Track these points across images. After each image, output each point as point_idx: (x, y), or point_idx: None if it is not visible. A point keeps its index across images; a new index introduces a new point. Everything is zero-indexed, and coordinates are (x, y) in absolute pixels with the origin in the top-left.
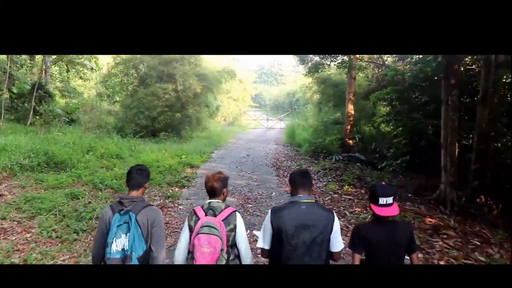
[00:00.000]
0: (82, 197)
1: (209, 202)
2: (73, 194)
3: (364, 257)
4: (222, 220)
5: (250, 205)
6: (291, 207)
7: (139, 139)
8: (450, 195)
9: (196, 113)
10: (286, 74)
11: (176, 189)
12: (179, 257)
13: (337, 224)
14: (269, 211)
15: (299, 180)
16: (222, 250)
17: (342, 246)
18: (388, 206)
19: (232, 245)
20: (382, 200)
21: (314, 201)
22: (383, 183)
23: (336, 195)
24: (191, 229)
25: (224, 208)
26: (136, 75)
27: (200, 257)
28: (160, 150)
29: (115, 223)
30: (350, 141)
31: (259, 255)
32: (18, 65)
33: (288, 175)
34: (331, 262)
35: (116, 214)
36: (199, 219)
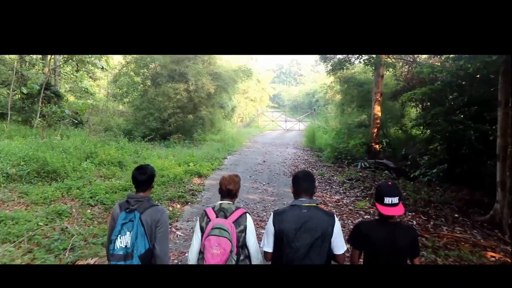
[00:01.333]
0: (61, 219)
1: (220, 204)
2: (55, 213)
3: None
4: (233, 222)
5: (264, 230)
6: (292, 210)
7: (148, 143)
8: (510, 218)
9: (209, 114)
10: (305, 74)
11: (178, 206)
12: (192, 258)
13: (338, 227)
14: (272, 213)
15: (303, 185)
16: (231, 251)
17: (345, 248)
18: (393, 206)
19: (243, 245)
20: (388, 200)
21: (315, 204)
22: (390, 183)
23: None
24: (202, 230)
25: (235, 210)
26: (148, 74)
27: (210, 258)
28: (168, 156)
29: (120, 221)
30: (377, 146)
31: None
32: (29, 65)
33: None
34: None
35: (122, 212)
36: (210, 220)
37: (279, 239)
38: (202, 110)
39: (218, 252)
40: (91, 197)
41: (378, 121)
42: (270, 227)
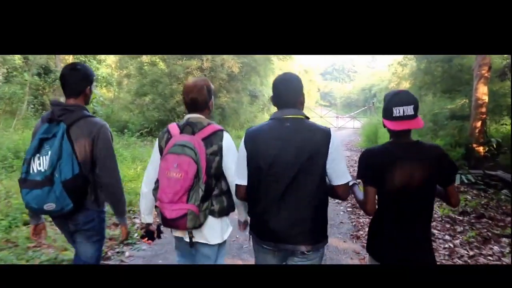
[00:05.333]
0: None
1: (188, 118)
2: None
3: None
4: (202, 139)
5: None
6: (271, 125)
7: (142, 139)
8: None
9: (231, 102)
10: (360, 70)
11: None
12: (147, 189)
13: (336, 145)
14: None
15: (282, 91)
16: (198, 178)
17: (348, 178)
18: (407, 119)
19: (217, 175)
20: (397, 111)
21: (303, 117)
22: (400, 90)
23: None
24: (161, 151)
25: (207, 125)
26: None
27: (165, 184)
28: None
29: (39, 135)
30: (481, 148)
31: None
32: None
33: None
34: (334, 200)
35: (44, 124)
36: (171, 137)
37: (254, 165)
38: (222, 96)
39: (178, 176)
40: None
41: (484, 109)
42: (241, 149)
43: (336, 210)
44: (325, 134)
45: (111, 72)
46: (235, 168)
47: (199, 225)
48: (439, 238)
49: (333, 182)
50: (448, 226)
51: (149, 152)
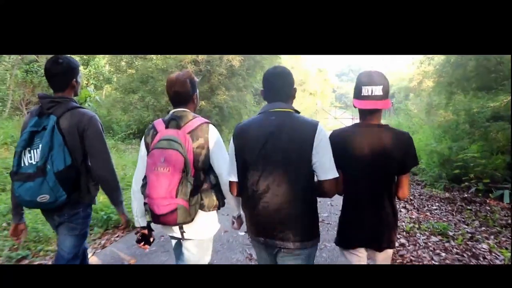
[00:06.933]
0: None
1: (173, 112)
2: None
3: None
4: (188, 133)
5: None
6: (258, 119)
7: (126, 143)
8: None
9: (231, 101)
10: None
11: None
12: (136, 187)
13: (321, 138)
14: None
15: (272, 84)
16: (186, 172)
17: (335, 173)
18: (375, 99)
19: (206, 169)
20: (366, 90)
21: (291, 110)
22: (372, 71)
23: None
24: (148, 148)
25: (192, 118)
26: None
27: (154, 181)
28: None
29: (29, 128)
30: None
31: None
32: None
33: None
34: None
35: (34, 117)
36: (157, 132)
37: (241, 160)
38: (221, 94)
39: (165, 171)
40: None
41: None
42: (231, 145)
43: None
44: (311, 127)
45: (102, 69)
46: (227, 165)
47: (189, 220)
48: None
49: (319, 177)
50: None
51: (125, 159)
